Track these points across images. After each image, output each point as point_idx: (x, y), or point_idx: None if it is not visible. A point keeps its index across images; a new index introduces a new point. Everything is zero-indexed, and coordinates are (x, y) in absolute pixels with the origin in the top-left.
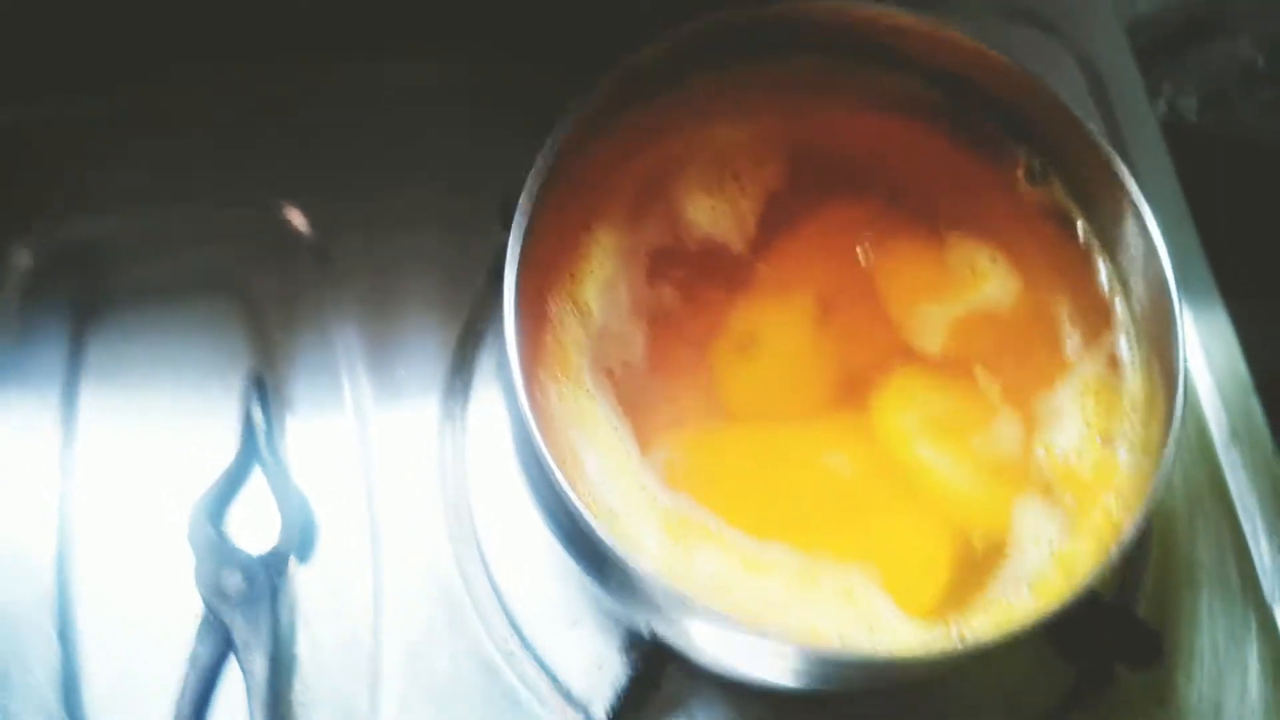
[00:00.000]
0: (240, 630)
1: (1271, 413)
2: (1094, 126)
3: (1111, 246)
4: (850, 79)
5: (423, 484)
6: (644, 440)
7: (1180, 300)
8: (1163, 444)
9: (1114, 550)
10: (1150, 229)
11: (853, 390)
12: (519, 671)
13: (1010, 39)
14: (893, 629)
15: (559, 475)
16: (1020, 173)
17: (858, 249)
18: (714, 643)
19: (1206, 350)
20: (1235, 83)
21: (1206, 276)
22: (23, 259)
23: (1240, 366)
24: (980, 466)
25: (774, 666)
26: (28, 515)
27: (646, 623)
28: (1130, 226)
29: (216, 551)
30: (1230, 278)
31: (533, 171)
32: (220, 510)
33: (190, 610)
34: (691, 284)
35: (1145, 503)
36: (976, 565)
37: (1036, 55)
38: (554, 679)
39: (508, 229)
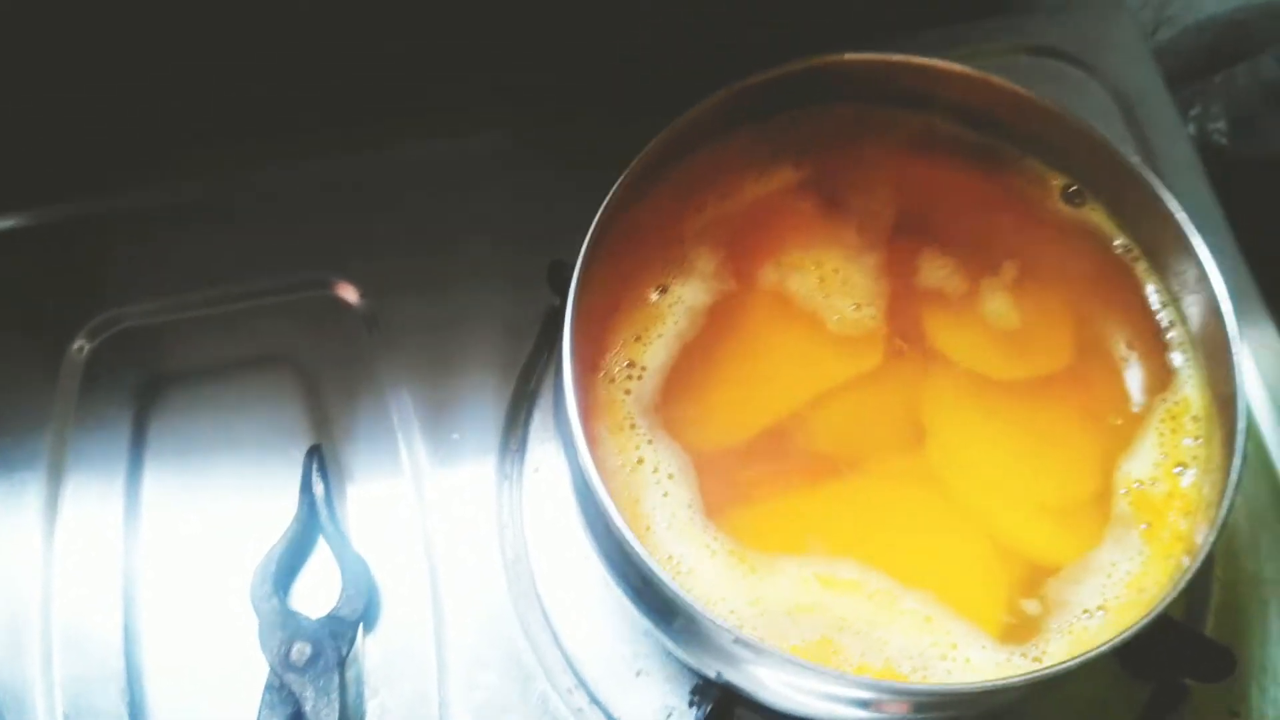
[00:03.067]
0: (310, 699)
1: None
2: (1129, 151)
3: (1160, 269)
4: (888, 123)
5: (482, 544)
6: (705, 489)
7: (1235, 319)
8: (1227, 462)
9: (1187, 571)
10: (1199, 250)
11: (917, 434)
12: None
13: (1041, 72)
14: (968, 657)
15: (623, 527)
16: (1060, 200)
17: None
18: (785, 686)
19: (1259, 365)
20: (1261, 103)
21: (1254, 294)
22: (83, 347)
23: None
24: (1050, 503)
25: (845, 705)
26: (96, 591)
27: (715, 669)
28: (1178, 249)
29: (283, 621)
30: (1274, 294)
31: (588, 234)
32: (286, 580)
33: (257, 680)
34: (750, 331)
35: (1216, 523)
36: (1052, 593)
37: (1067, 87)
38: None
39: (556, 290)
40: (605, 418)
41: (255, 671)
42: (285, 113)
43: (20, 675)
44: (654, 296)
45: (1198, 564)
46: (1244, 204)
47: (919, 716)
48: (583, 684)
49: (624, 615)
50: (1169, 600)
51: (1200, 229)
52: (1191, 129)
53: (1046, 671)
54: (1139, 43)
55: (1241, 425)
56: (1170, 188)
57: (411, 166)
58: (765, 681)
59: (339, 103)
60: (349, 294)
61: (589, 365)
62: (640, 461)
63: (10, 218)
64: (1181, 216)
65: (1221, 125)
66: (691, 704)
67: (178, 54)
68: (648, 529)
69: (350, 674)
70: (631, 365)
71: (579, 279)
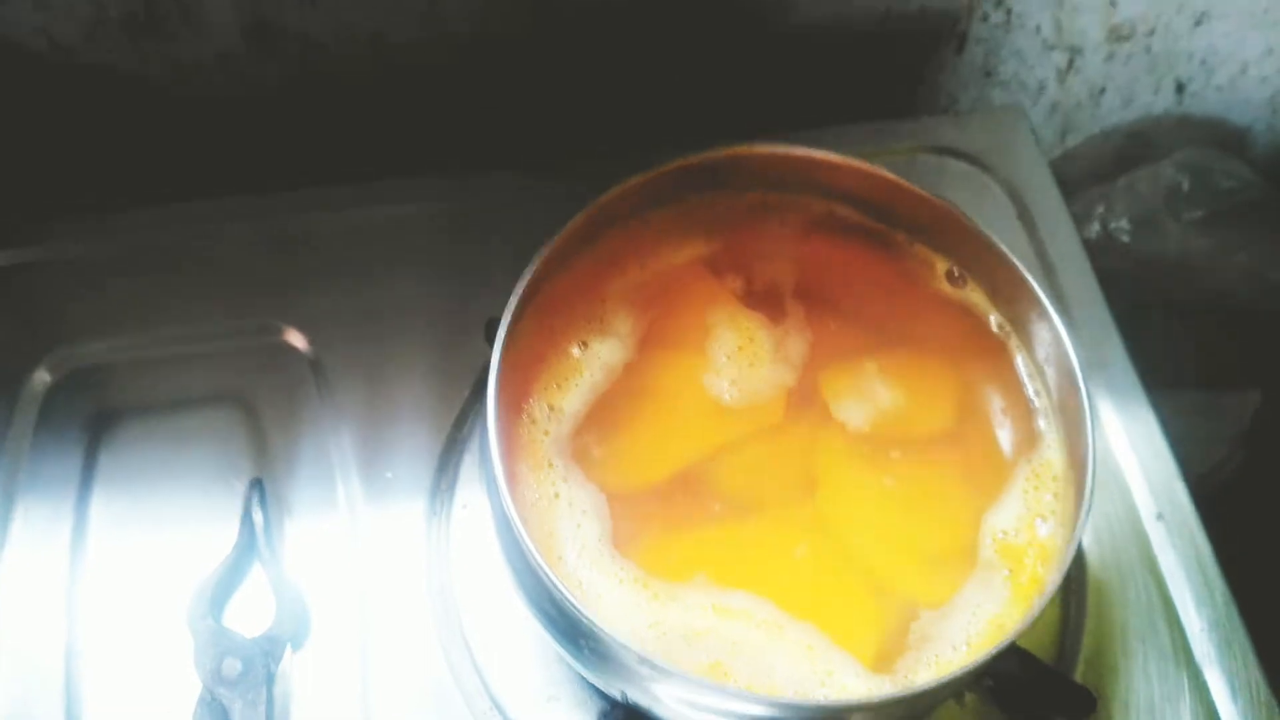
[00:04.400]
0: (238, 711)
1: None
2: (1011, 241)
3: (1028, 344)
4: (792, 206)
5: (410, 576)
6: (616, 523)
7: (1085, 384)
8: (1077, 514)
9: (1035, 606)
10: (1057, 325)
11: (810, 485)
12: None
13: (943, 170)
14: (844, 684)
15: (536, 555)
16: (944, 281)
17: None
18: (682, 703)
19: (1132, 440)
20: (1163, 205)
21: (1129, 374)
22: (41, 379)
23: (1164, 451)
24: (925, 549)
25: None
26: (40, 610)
27: (620, 689)
28: (1039, 321)
29: (216, 639)
30: (1163, 375)
31: (513, 295)
32: (221, 601)
33: (190, 694)
34: (661, 386)
35: (1060, 563)
36: (921, 629)
37: (966, 185)
38: None
39: (491, 344)
40: (526, 457)
41: (189, 689)
42: (241, 171)
43: None
44: (575, 351)
45: (1045, 599)
46: (1142, 296)
47: None
48: (498, 708)
49: (538, 644)
50: (1020, 631)
51: (1078, 310)
52: (1096, 226)
53: (908, 691)
54: (1034, 149)
55: (1089, 486)
56: (1055, 277)
57: (360, 227)
58: (664, 699)
59: (292, 163)
60: (297, 340)
61: (513, 409)
62: (556, 496)
63: None
64: (1044, 300)
65: (1125, 224)
66: None
67: (137, 107)
68: (560, 558)
69: (278, 690)
70: (551, 409)
71: (505, 333)
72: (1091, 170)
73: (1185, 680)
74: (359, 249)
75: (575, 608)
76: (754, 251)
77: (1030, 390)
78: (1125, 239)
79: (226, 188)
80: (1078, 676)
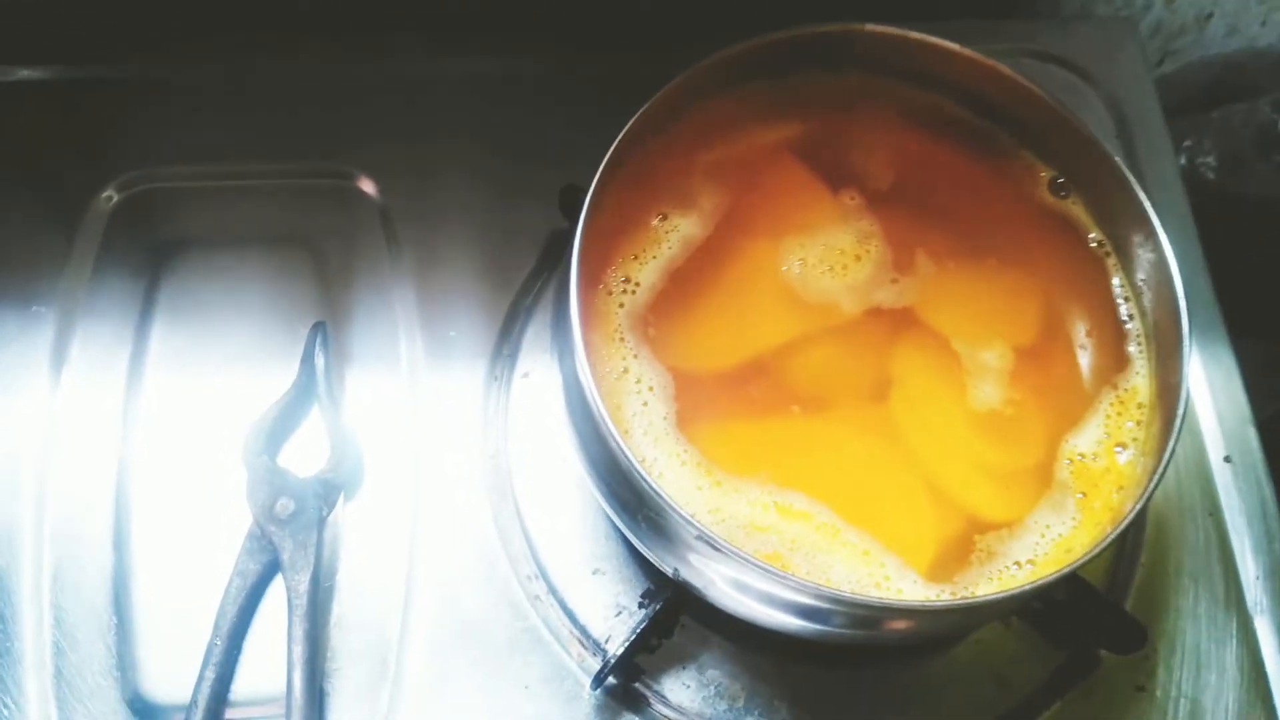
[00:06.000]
0: (288, 550)
1: (1265, 443)
2: (1114, 152)
3: (1128, 265)
4: (891, 95)
5: (465, 435)
6: (681, 404)
7: (1188, 313)
8: (1162, 446)
9: (1108, 535)
10: (1164, 246)
11: (883, 388)
12: (542, 614)
13: (1044, 77)
14: (900, 588)
15: (610, 423)
16: (1046, 190)
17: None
18: (736, 587)
19: (1210, 380)
20: (1253, 144)
21: (1214, 313)
22: (111, 198)
23: (1240, 397)
24: (995, 466)
25: (788, 612)
26: (95, 430)
27: (673, 565)
28: (1144, 243)
29: (271, 476)
30: (1238, 321)
31: (604, 161)
32: (277, 440)
33: (239, 530)
34: (739, 271)
35: (1143, 494)
36: (986, 545)
37: (1067, 95)
38: (574, 621)
39: (565, 212)
40: (600, 327)
41: (239, 523)
42: (333, 12)
43: (14, 494)
44: (655, 222)
45: (1119, 529)
46: (1222, 237)
47: (851, 632)
48: (543, 573)
49: (589, 518)
50: (1090, 557)
51: (1171, 239)
52: (1182, 160)
53: (965, 602)
54: (1142, 65)
55: (1180, 414)
56: (1151, 199)
57: (442, 80)
58: (717, 581)
59: (387, 9)
60: (368, 187)
61: (590, 279)
62: (625, 372)
63: (54, 69)
64: (1155, 218)
65: (1211, 160)
66: (641, 605)
67: None
68: (626, 432)
69: (328, 534)
70: (627, 280)
71: (591, 198)
72: (1183, 99)
73: (1234, 625)
74: (439, 102)
75: (643, 478)
76: (848, 138)
77: (1123, 313)
78: (1210, 175)
79: (308, 25)
80: (1128, 608)
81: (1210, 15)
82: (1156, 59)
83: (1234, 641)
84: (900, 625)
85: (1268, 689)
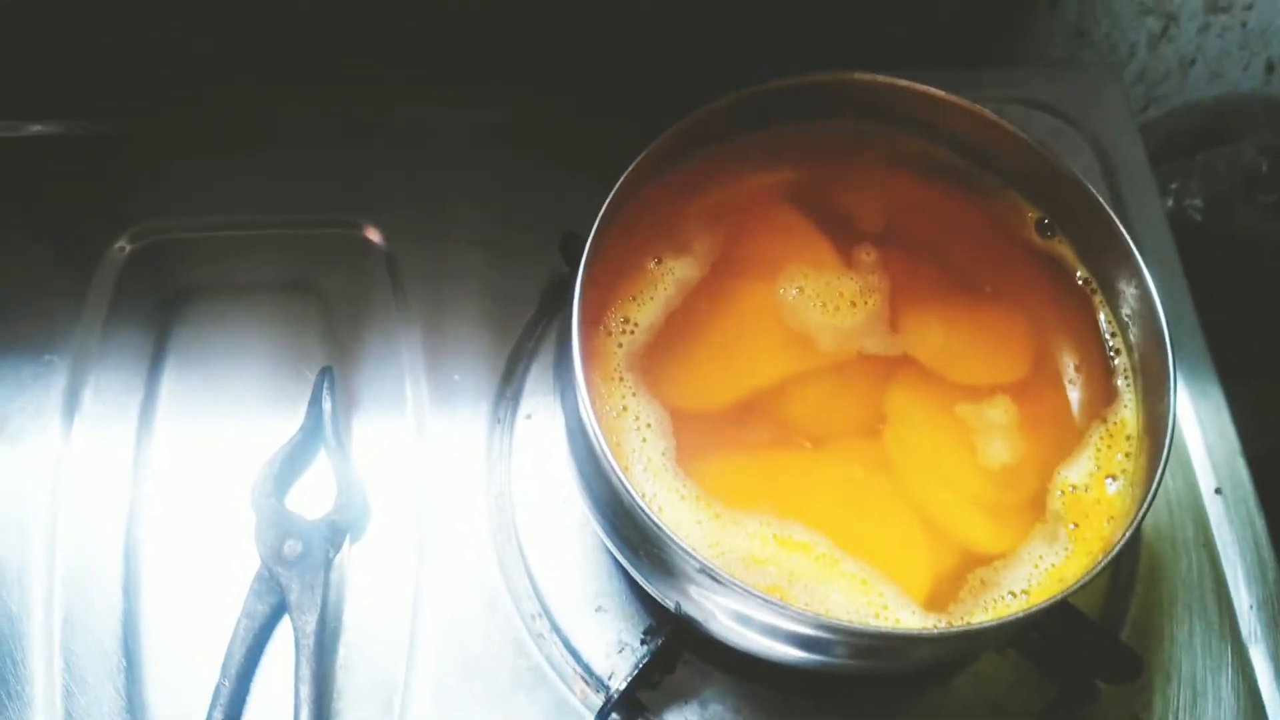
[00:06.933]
0: (295, 591)
1: (1256, 476)
2: (1096, 192)
3: (1114, 301)
4: (881, 141)
5: (469, 479)
6: (680, 440)
7: (1173, 346)
8: (1150, 477)
9: (1099, 563)
10: (1148, 282)
11: (878, 423)
12: (546, 651)
13: (1031, 123)
14: (897, 617)
15: (611, 460)
16: (1033, 230)
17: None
18: (736, 619)
19: (1199, 414)
20: (1239, 186)
21: (1201, 348)
22: (121, 249)
23: (1229, 430)
24: (988, 498)
25: (788, 643)
26: (107, 474)
27: (674, 599)
28: (1129, 280)
29: (279, 518)
30: (1229, 357)
31: (603, 208)
32: (285, 483)
33: (247, 573)
34: (735, 311)
35: (1132, 522)
36: (980, 576)
37: (1055, 139)
38: (578, 658)
39: (566, 258)
40: (599, 367)
41: (247, 564)
42: (339, 62)
43: (26, 539)
44: (651, 265)
45: (1110, 557)
46: (1209, 275)
47: (851, 663)
48: (546, 612)
49: (592, 556)
50: (1082, 584)
51: (1156, 275)
52: (1169, 202)
53: (962, 629)
54: (1126, 110)
55: (1167, 445)
56: (1136, 240)
57: (447, 130)
58: (719, 614)
59: (391, 58)
60: (374, 236)
61: (590, 320)
62: (624, 409)
63: (68, 124)
64: (1138, 255)
65: (1198, 202)
66: (644, 641)
67: None
68: (627, 469)
69: (334, 576)
70: (626, 321)
71: (591, 244)
72: (1170, 144)
73: (1229, 655)
74: (441, 154)
75: (645, 513)
76: (840, 183)
77: (1110, 348)
78: (1197, 217)
79: (315, 76)
80: (1122, 638)
81: (1193, 61)
82: (1141, 105)
83: (1230, 670)
84: (898, 654)
85: (1264, 717)
